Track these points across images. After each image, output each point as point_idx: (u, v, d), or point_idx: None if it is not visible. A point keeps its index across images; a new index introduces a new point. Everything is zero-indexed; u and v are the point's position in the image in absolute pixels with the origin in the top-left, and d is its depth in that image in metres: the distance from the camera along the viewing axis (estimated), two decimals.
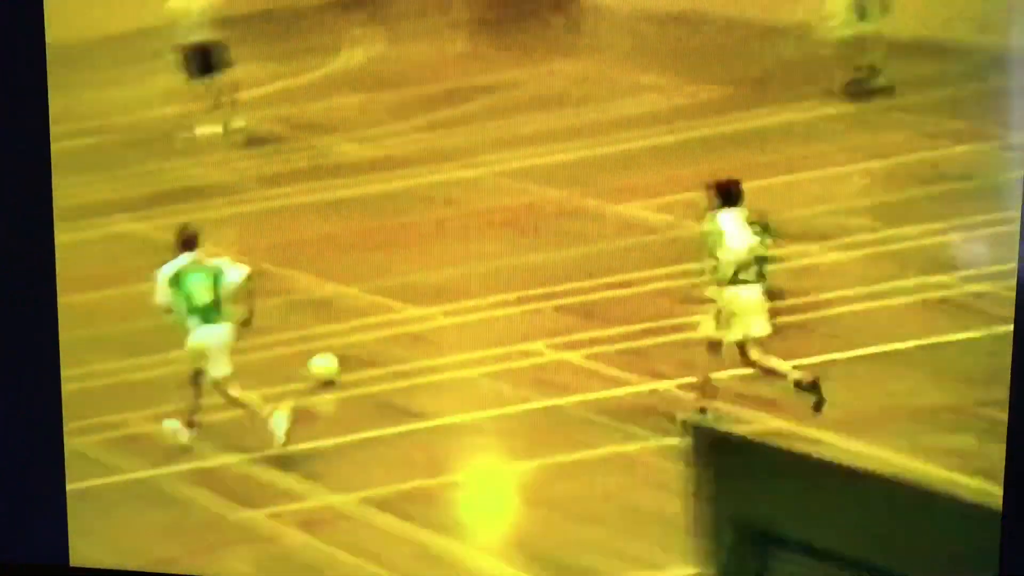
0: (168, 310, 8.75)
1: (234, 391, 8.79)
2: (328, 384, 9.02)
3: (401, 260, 9.83)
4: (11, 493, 8.50)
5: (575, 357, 9.25)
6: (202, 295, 8.69)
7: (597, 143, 10.23)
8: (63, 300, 9.03)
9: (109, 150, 10.37)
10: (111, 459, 8.84)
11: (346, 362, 9.25)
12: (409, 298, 9.66)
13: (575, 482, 8.55)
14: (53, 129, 9.79)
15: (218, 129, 10.53)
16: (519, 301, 9.52)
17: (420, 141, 10.60)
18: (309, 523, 8.51)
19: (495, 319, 9.51)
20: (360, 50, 11.19)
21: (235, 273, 8.72)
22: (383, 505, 8.55)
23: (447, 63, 10.99)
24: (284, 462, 8.78)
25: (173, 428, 8.84)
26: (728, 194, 8.78)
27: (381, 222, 10.07)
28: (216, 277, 8.73)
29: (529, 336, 9.35)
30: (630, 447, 8.64)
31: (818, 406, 8.61)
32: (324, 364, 9.05)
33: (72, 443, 8.75)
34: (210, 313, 8.71)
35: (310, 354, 9.24)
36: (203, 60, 10.52)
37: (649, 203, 9.90)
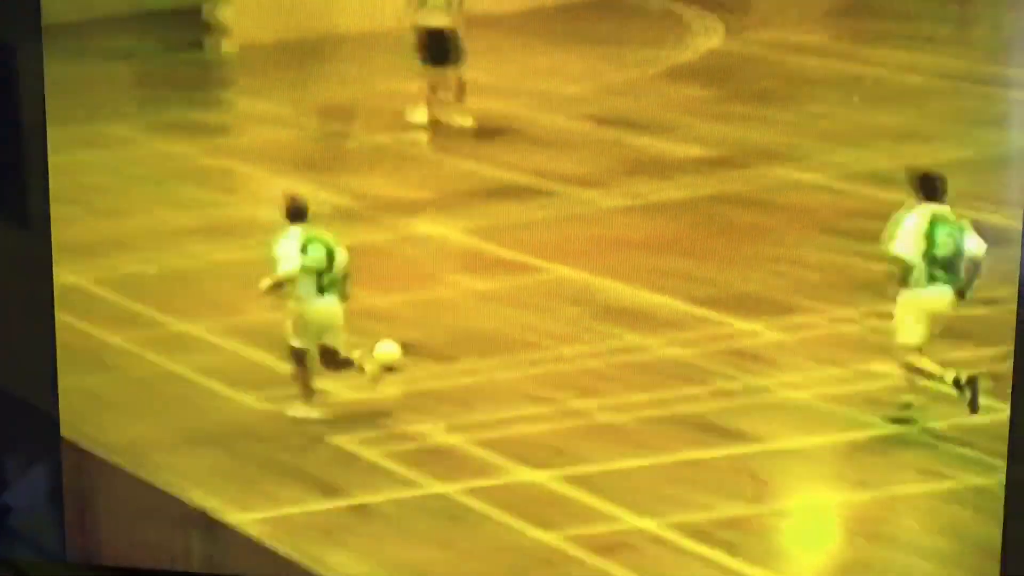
0: (287, 281, 9.17)
1: (355, 353, 9.22)
2: (390, 369, 9.23)
3: (725, 268, 9.56)
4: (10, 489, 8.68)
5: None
6: (319, 264, 9.18)
7: (957, 145, 9.79)
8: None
9: (408, 147, 10.48)
10: (404, 473, 8.85)
11: (660, 377, 9.07)
12: (733, 310, 9.38)
13: (913, 515, 8.21)
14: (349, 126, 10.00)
15: (467, 122, 10.54)
16: (864, 316, 9.13)
17: (749, 140, 10.32)
18: (610, 548, 8.35)
19: (834, 336, 9.14)
20: (689, 43, 11.02)
21: (343, 255, 9.27)
22: (695, 532, 8.33)
23: (790, 56, 10.70)
24: (588, 481, 8.63)
25: (302, 414, 9.15)
26: (927, 187, 8.71)
27: (703, 227, 9.84)
28: (329, 249, 9.22)
29: (875, 355, 8.94)
30: (988, 479, 8.19)
31: (973, 405, 8.44)
32: (388, 350, 9.25)
33: (365, 454, 8.85)
34: (326, 283, 9.20)
35: (622, 367, 9.12)
36: (440, 47, 10.59)
37: (1016, 212, 9.37)
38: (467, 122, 10.47)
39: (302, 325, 9.21)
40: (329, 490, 8.77)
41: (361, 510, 8.66)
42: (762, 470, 8.61)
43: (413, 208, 9.93)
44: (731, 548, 8.27)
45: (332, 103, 10.37)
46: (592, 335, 9.35)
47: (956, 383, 8.56)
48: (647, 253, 9.72)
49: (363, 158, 10.28)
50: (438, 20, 10.68)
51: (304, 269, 9.19)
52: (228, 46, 10.25)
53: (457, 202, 10.03)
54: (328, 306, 9.22)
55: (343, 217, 9.67)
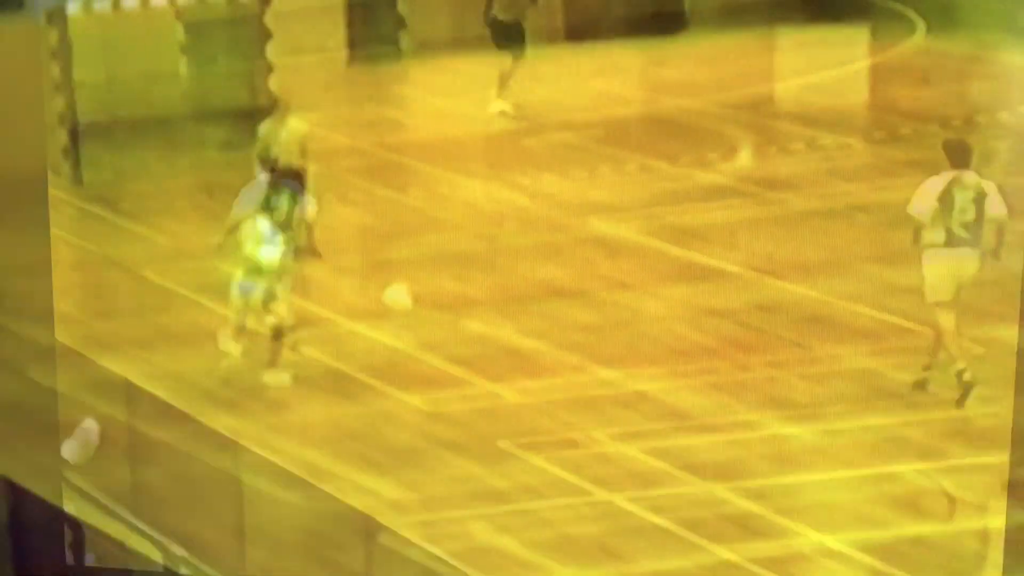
0: (243, 221, 9.80)
1: (273, 313, 9.77)
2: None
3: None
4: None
5: None
6: (281, 213, 9.77)
7: None
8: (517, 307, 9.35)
9: (591, 144, 10.57)
10: (570, 478, 8.92)
11: (848, 388, 9.01)
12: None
13: None
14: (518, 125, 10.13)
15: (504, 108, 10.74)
16: None
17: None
18: (784, 561, 8.30)
19: None
20: (901, 42, 10.95)
21: (311, 205, 9.84)
22: (874, 548, 8.25)
23: (1013, 57, 10.54)
24: (764, 495, 8.59)
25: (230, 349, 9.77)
26: (954, 154, 9.11)
27: (900, 234, 9.73)
28: (292, 199, 9.81)
29: None
30: None
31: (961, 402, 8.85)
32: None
33: (531, 458, 8.97)
34: (284, 232, 9.77)
35: (807, 377, 9.08)
36: (504, 34, 10.80)
37: None
38: (504, 107, 10.75)
39: (255, 267, 9.78)
40: (492, 493, 8.87)
41: (524, 515, 8.74)
42: (955, 488, 8.50)
43: (593, 208, 10.03)
44: (913, 566, 8.14)
45: (509, 101, 10.58)
46: (779, 343, 9.32)
47: (958, 375, 8.95)
48: (846, 259, 9.65)
49: (541, 155, 10.42)
50: (504, 15, 10.99)
51: (260, 214, 9.77)
52: (404, 43, 10.53)
53: (641, 202, 10.11)
54: (276, 253, 9.78)
55: (520, 216, 9.79)
